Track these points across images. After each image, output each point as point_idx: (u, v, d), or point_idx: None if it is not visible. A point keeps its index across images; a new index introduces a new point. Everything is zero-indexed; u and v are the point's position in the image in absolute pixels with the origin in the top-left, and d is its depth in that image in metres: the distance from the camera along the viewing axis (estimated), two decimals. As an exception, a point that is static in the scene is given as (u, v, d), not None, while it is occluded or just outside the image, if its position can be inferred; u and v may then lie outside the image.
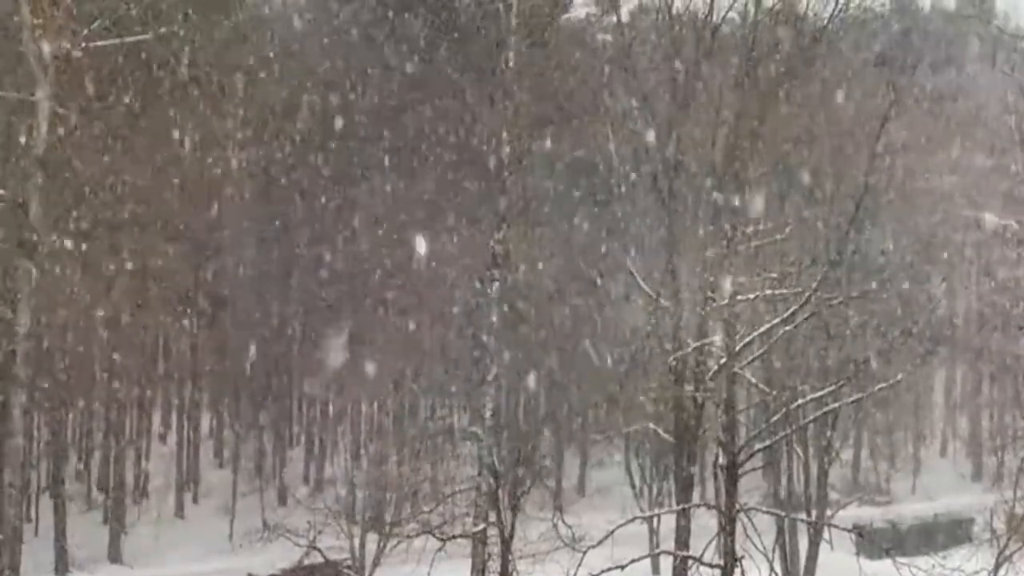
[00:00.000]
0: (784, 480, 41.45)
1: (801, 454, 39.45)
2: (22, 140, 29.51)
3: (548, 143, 46.94)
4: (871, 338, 31.52)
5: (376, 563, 36.73)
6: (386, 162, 47.95)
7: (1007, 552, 27.38)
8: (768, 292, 23.22)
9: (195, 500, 52.35)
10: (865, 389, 26.23)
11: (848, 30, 37.36)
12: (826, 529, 31.95)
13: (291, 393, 56.36)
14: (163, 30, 31.34)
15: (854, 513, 45.86)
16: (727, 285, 21.75)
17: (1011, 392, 57.04)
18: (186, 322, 51.17)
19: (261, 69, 49.50)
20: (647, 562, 33.45)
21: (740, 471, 21.32)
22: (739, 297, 21.86)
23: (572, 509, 35.30)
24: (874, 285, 33.01)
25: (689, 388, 24.10)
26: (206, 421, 58.00)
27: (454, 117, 43.78)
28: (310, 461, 56.13)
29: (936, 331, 30.83)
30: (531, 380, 47.01)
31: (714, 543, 21.64)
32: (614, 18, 32.27)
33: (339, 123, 47.35)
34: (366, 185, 47.74)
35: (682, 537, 24.81)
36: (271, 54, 50.29)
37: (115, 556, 45.74)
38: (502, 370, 31.54)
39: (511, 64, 28.22)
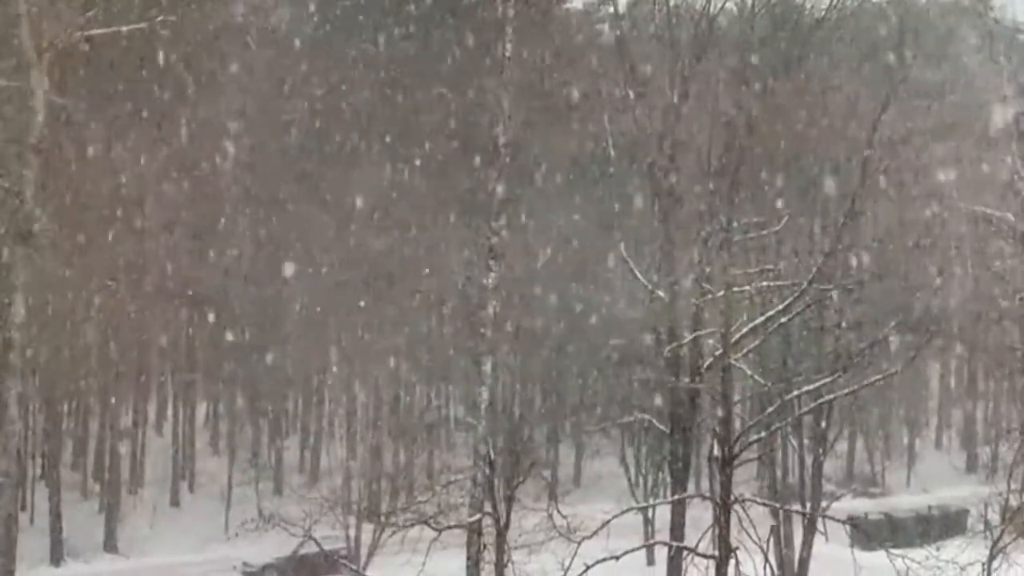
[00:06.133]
0: (779, 471, 41.52)
1: (796, 445, 39.52)
2: (18, 128, 29.46)
3: (545, 133, 46.94)
4: (866, 330, 31.55)
5: (371, 553, 36.82)
6: (381, 150, 47.90)
7: (1001, 544, 27.40)
8: (764, 283, 23.28)
9: (191, 490, 52.38)
10: (860, 381, 26.28)
11: (845, 22, 37.38)
12: (820, 520, 31.97)
13: (287, 383, 56.33)
14: (159, 18, 31.27)
15: (849, 504, 45.94)
16: (723, 276, 21.78)
17: (1006, 384, 57.12)
18: (182, 311, 51.17)
19: (256, 56, 49.50)
20: (642, 553, 33.46)
21: (735, 462, 21.36)
22: (735, 288, 21.89)
23: (567, 499, 35.32)
24: (869, 277, 33.04)
25: (685, 379, 24.12)
26: (202, 411, 58.03)
27: (450, 105, 43.79)
28: (305, 451, 56.17)
29: (931, 323, 30.82)
30: (527, 370, 47.01)
31: (709, 534, 21.68)
32: (611, 8, 32.28)
33: (334, 111, 47.28)
34: (361, 173, 47.67)
35: (677, 528, 24.84)
36: (266, 41, 50.33)
37: (111, 545, 45.77)
38: (498, 360, 31.52)
39: (508, 53, 28.14)
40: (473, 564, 26.00)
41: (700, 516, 25.21)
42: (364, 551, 37.99)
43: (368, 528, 37.70)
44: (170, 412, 56.04)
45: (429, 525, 24.07)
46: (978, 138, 50.86)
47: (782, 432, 35.17)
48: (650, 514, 41.34)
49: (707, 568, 21.24)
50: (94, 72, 37.43)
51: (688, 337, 23.72)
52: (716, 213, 23.48)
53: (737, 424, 24.38)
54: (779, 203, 34.16)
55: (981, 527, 29.49)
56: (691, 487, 32.38)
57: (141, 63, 39.72)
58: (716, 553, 21.02)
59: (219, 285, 49.36)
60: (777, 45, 32.32)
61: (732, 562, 20.68)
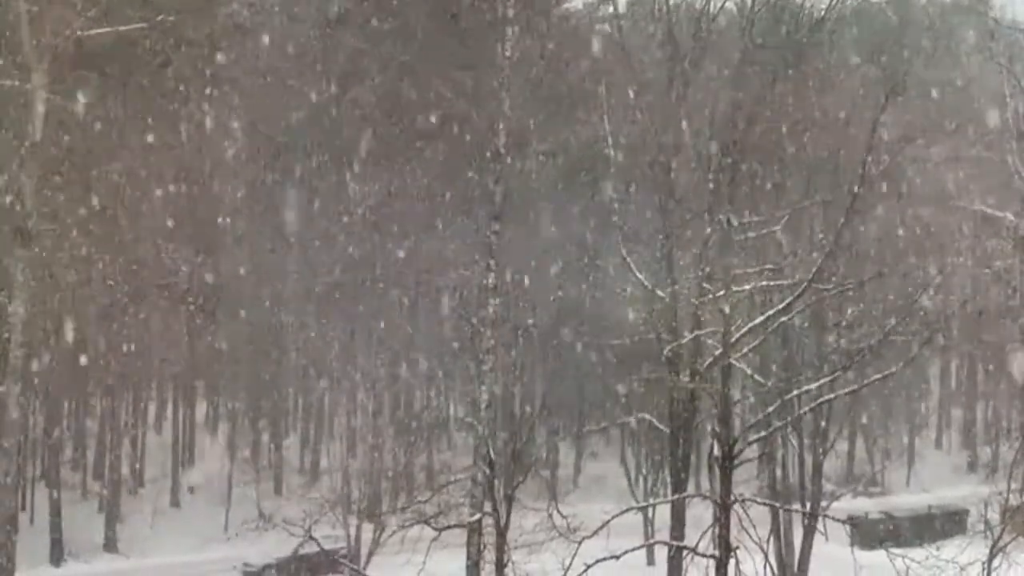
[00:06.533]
0: (779, 471, 41.52)
1: (796, 445, 39.50)
2: (18, 128, 29.50)
3: (545, 133, 46.94)
4: (866, 329, 31.54)
5: (371, 553, 36.82)
6: (381, 150, 47.86)
7: (1001, 544, 27.39)
8: (764, 282, 23.28)
9: (191, 490, 52.37)
10: (860, 381, 26.27)
11: (845, 21, 37.41)
12: (820, 520, 31.99)
13: (287, 383, 56.35)
14: (159, 17, 31.31)
15: (849, 504, 45.92)
16: (723, 276, 21.78)
17: (1006, 383, 57.09)
18: (182, 312, 51.10)
19: (256, 58, 49.46)
20: (642, 552, 33.49)
21: (735, 462, 21.35)
22: (735, 287, 21.88)
23: (567, 499, 35.35)
24: (869, 277, 33.02)
25: (684, 379, 24.12)
26: (202, 411, 58.01)
27: (451, 106, 43.69)
28: (305, 451, 56.16)
29: (931, 323, 30.79)
30: (527, 370, 46.98)
31: (709, 533, 21.67)
32: (611, 8, 32.32)
33: (335, 112, 47.28)
34: (362, 175, 47.67)
35: (677, 527, 24.88)
36: (266, 42, 50.29)
37: (111, 545, 45.76)
38: (498, 360, 31.57)
39: (508, 53, 28.17)
40: (473, 564, 26.07)
41: (700, 516, 25.23)
42: (364, 551, 37.98)
43: (368, 528, 37.69)
44: (170, 412, 56.04)
45: (429, 525, 24.06)
46: (978, 138, 50.84)
47: (782, 432, 35.16)
48: (650, 514, 41.33)
49: (707, 568, 21.22)
50: (93, 72, 37.43)
51: (688, 337, 23.72)
52: (716, 213, 23.49)
53: (737, 424, 24.39)
54: (779, 201, 34.16)
55: (981, 527, 29.49)
56: (691, 487, 32.43)
57: (146, 65, 39.69)
58: (716, 553, 21.01)
59: (219, 285, 49.32)
60: (777, 45, 32.29)
61: (732, 562, 20.68)
